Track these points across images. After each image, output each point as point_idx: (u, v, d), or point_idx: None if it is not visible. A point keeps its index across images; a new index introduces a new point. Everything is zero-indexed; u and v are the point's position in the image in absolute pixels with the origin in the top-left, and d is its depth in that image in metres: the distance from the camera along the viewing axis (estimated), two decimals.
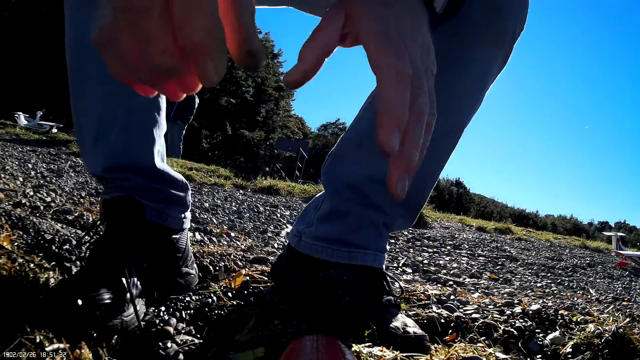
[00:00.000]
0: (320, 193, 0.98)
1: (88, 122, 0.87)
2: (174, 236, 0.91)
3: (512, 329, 1.01)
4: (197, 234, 1.78)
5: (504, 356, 0.74)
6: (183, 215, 0.95)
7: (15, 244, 0.96)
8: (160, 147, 0.93)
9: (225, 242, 1.77)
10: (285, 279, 0.97)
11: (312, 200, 1.00)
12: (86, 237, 0.88)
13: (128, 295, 0.72)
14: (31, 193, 1.90)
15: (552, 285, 2.48)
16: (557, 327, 1.11)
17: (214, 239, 1.77)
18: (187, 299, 0.89)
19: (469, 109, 0.89)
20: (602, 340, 0.94)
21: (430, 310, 1.06)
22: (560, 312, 1.23)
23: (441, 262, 2.49)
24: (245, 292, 0.99)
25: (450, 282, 1.96)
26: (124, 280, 0.73)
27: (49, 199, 1.84)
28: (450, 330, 0.97)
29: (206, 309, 0.85)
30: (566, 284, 2.59)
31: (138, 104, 0.87)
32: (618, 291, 2.81)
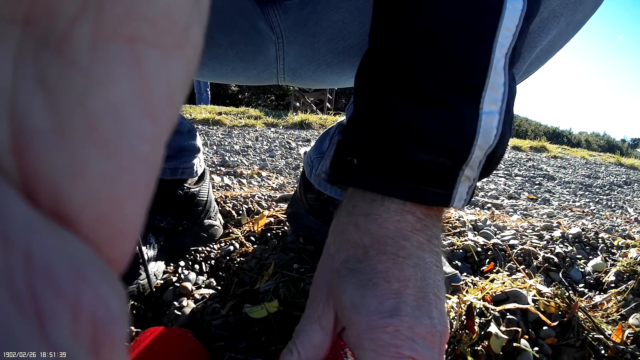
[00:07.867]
0: (340, 120, 0.91)
1: None
2: (193, 190, 0.86)
3: (552, 256, 0.96)
4: (225, 178, 1.75)
5: (546, 289, 0.69)
6: (197, 161, 0.90)
7: None
8: None
9: (256, 183, 1.74)
10: (304, 222, 0.93)
11: (330, 127, 0.93)
12: None
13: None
14: None
15: (591, 204, 2.40)
16: (599, 252, 1.05)
17: (243, 181, 1.74)
18: (208, 249, 0.86)
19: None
20: None
21: (466, 238, 1.01)
22: (600, 235, 1.17)
23: (478, 183, 2.42)
24: (269, 234, 0.95)
25: (489, 205, 1.90)
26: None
27: None
28: (487, 260, 0.92)
29: (227, 257, 0.82)
30: (604, 203, 2.50)
31: None
32: None
